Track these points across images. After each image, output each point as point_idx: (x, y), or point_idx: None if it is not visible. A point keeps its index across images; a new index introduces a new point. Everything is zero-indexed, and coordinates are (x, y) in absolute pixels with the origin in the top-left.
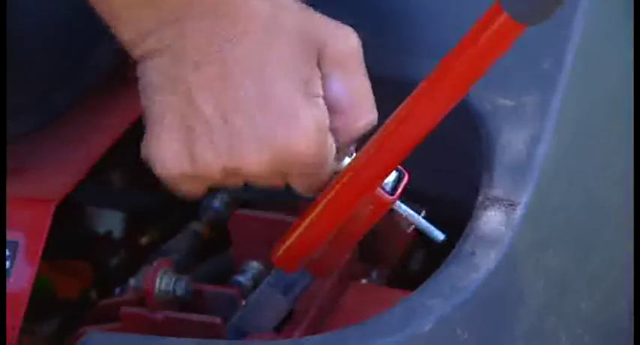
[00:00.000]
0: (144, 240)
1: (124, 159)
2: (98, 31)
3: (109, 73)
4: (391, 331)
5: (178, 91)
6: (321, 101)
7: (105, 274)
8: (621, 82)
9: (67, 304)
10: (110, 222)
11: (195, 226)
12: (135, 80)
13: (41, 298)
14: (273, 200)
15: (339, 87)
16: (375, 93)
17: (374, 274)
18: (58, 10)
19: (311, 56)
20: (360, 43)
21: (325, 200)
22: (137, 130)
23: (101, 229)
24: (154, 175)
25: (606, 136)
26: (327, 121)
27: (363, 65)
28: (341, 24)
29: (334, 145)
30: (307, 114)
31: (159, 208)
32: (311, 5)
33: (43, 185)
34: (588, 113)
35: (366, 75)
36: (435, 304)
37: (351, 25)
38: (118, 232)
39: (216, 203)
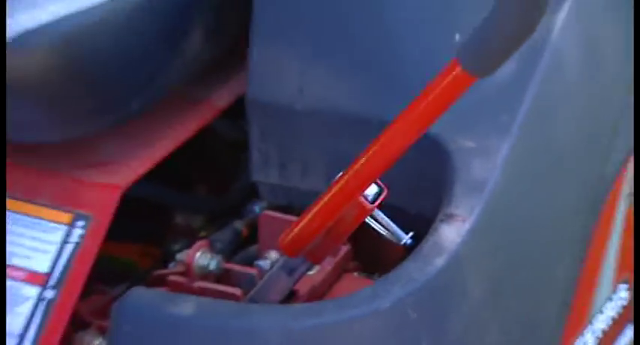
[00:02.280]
0: (202, 233)
1: (203, 174)
2: (169, 52)
3: (176, 87)
4: (357, 306)
5: None
6: None
7: (169, 256)
8: (570, 136)
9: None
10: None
11: (237, 223)
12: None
13: (126, 273)
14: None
15: None
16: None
17: (375, 278)
18: (138, 33)
19: None
20: None
21: (319, 204)
22: (212, 151)
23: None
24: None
25: (552, 176)
26: None
27: None
28: None
29: None
30: None
31: (221, 211)
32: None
33: (114, 173)
34: (535, 157)
35: None
36: (394, 289)
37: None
38: (185, 226)
39: (256, 208)
